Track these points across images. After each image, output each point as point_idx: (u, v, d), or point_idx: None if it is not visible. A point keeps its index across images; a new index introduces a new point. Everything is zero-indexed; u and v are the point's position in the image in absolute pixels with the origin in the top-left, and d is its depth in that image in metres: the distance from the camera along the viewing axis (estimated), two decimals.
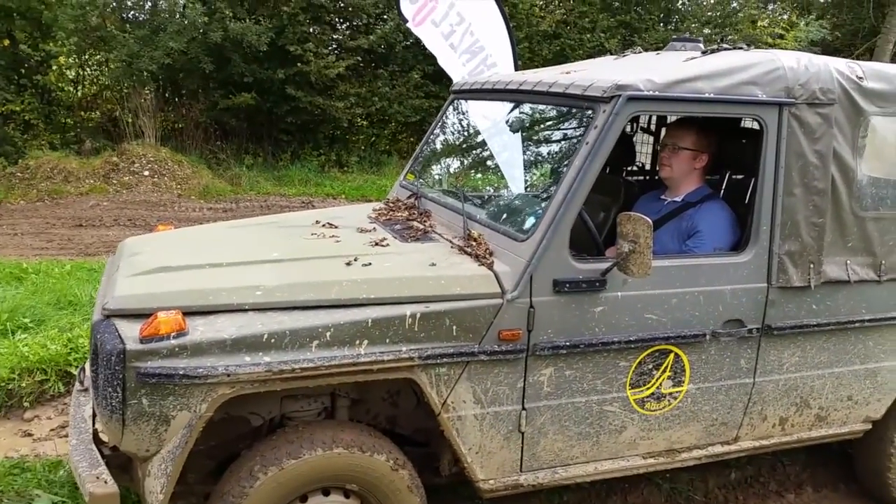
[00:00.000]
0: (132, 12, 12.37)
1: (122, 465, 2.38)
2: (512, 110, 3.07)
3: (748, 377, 2.71)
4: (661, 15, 14.34)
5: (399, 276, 2.28)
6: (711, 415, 2.71)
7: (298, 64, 11.23)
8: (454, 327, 2.24)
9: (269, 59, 11.49)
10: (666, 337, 2.50)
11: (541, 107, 2.89)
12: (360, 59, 12.17)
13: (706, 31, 14.21)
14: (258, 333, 2.06)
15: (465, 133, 3.33)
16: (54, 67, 12.68)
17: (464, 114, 3.38)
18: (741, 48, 2.72)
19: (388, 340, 2.17)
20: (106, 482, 2.08)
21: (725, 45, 2.79)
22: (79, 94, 13.00)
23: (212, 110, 12.01)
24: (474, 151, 3.21)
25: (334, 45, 12.45)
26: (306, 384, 2.13)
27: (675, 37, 3.11)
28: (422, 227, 2.88)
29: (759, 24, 15.45)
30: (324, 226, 2.91)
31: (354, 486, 2.27)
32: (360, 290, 2.22)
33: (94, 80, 13.24)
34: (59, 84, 12.87)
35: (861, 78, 2.67)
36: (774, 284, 2.63)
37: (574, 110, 2.62)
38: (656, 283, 2.46)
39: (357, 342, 2.14)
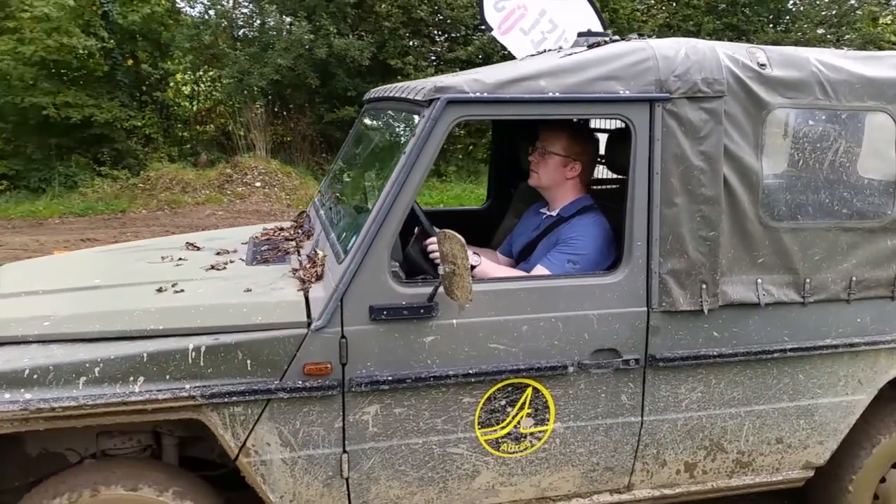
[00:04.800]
0: (242, 30, 13.03)
1: None
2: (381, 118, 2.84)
3: (634, 415, 2.34)
4: (771, 16, 13.51)
5: (193, 305, 2.09)
6: (590, 458, 2.35)
7: (399, 77, 11.44)
8: (248, 361, 2.02)
9: (370, 73, 11.84)
10: (517, 369, 2.18)
11: (392, 112, 2.63)
12: (458, 70, 12.25)
13: (820, 31, 13.25)
14: (20, 368, 1.92)
15: (357, 144, 3.11)
16: (172, 84, 13.78)
17: (365, 123, 3.16)
18: (616, 40, 2.37)
19: (168, 377, 1.98)
20: None
21: (615, 38, 2.45)
22: (194, 108, 13.97)
23: (317, 123, 12.47)
24: (355, 163, 2.99)
25: (433, 58, 12.61)
26: (73, 424, 1.97)
27: (581, 31, 2.77)
28: (287, 247, 2.68)
29: (882, 21, 14.23)
30: (187, 247, 2.76)
31: None
32: (147, 321, 2.04)
33: (208, 95, 14.18)
34: (177, 100, 13.97)
35: (764, 65, 2.27)
36: (656, 308, 2.26)
37: (413, 115, 2.35)
38: (502, 308, 2.16)
39: (131, 378, 1.96)
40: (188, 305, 2.09)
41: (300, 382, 2.05)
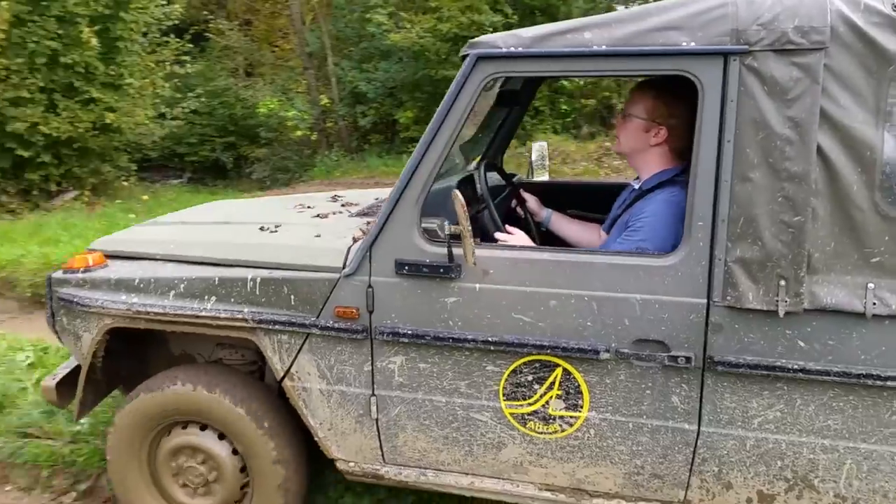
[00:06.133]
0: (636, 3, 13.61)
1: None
2: None
3: (688, 422, 2.03)
4: None
5: (267, 243, 2.38)
6: (633, 459, 2.11)
7: None
8: (292, 296, 2.25)
9: None
10: (541, 345, 2.06)
11: None
12: None
13: None
14: (132, 277, 2.42)
15: None
16: None
17: None
18: None
19: (232, 300, 2.30)
20: (55, 378, 2.68)
21: None
22: (581, 82, 14.52)
23: None
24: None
25: None
26: (164, 328, 2.41)
27: None
28: None
29: None
30: (329, 200, 3.09)
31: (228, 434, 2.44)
32: (229, 252, 2.39)
33: None
34: None
35: None
36: (719, 302, 1.92)
37: None
38: (528, 279, 2.05)
39: (206, 297, 2.33)
40: (263, 243, 2.40)
41: (331, 322, 2.21)
